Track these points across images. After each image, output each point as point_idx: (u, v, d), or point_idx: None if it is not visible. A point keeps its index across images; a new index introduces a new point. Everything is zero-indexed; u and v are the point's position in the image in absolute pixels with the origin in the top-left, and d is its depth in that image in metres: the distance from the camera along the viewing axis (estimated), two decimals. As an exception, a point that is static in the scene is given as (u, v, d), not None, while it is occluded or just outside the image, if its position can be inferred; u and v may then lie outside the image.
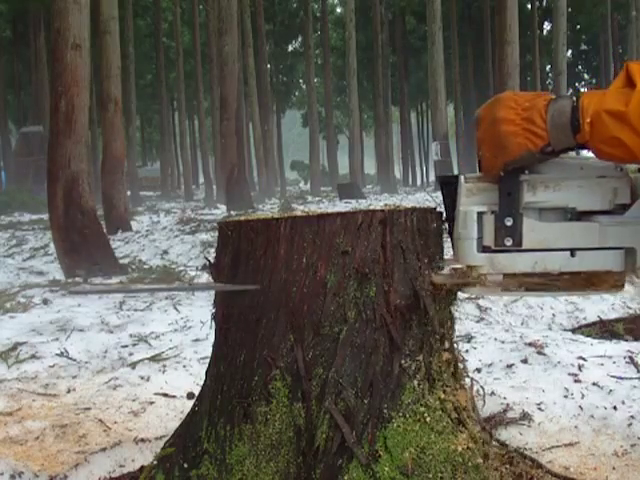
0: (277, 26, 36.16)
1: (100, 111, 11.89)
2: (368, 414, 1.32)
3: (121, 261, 7.48)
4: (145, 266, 7.35)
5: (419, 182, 40.56)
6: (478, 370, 2.55)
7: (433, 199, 13.83)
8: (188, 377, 2.74)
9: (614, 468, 1.76)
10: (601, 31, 32.13)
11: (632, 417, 2.01)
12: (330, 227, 1.35)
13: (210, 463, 1.41)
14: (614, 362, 2.54)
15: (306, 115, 34.18)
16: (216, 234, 1.57)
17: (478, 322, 3.72)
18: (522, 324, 3.85)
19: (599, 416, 2.06)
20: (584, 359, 2.56)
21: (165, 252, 8.35)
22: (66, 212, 6.68)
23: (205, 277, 5.61)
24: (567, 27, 22.15)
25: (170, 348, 3.23)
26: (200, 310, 4.15)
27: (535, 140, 1.14)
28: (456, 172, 24.44)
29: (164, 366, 2.91)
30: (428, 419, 1.33)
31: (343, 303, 1.34)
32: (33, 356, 3.16)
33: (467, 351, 2.73)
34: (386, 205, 1.44)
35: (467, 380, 1.56)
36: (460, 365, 1.50)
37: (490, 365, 2.61)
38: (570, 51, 35.05)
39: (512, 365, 2.57)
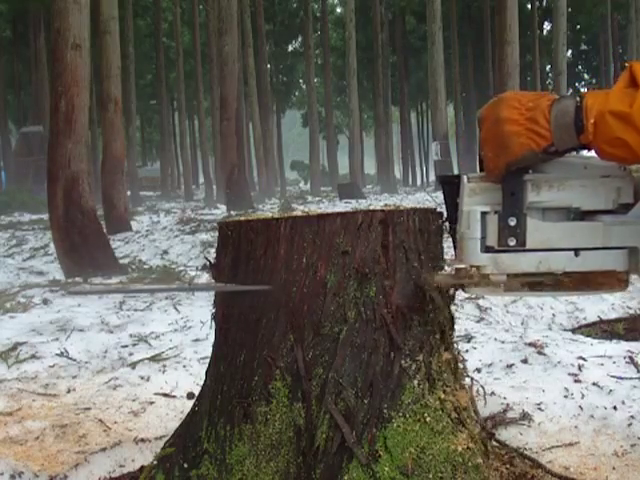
0: (277, 26, 36.17)
1: (100, 111, 11.89)
2: (368, 414, 1.32)
3: (121, 261, 7.49)
4: (145, 266, 7.35)
5: (419, 182, 40.55)
6: (478, 370, 2.55)
7: (433, 199, 13.82)
8: (188, 377, 2.74)
9: (614, 468, 1.76)
10: (601, 31, 32.13)
11: (632, 417, 2.01)
12: (330, 227, 1.35)
13: (210, 463, 1.41)
14: (614, 362, 2.54)
15: (306, 115, 34.18)
16: (216, 234, 1.57)
17: (478, 322, 3.72)
18: (522, 324, 3.85)
19: (599, 416, 2.06)
20: (584, 359, 2.56)
21: (165, 252, 8.35)
22: (66, 212, 6.68)
23: (205, 277, 5.61)
24: (567, 27, 22.14)
25: (170, 348, 3.23)
26: (200, 310, 4.15)
27: (538, 140, 1.14)
28: (456, 172, 24.45)
29: (164, 366, 2.91)
30: (428, 419, 1.33)
31: (343, 303, 1.34)
32: (33, 356, 3.16)
33: (467, 351, 2.73)
34: (386, 205, 1.44)
35: (467, 380, 1.56)
36: (460, 365, 1.51)
37: (490, 365, 2.61)
38: (570, 51, 35.06)
39: (512, 365, 2.57)
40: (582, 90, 38.84)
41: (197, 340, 3.40)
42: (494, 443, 1.67)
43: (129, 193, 16.94)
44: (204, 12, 30.33)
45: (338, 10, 41.35)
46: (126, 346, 3.36)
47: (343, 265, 1.34)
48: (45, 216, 9.87)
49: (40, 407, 2.51)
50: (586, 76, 39.47)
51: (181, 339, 3.45)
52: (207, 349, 2.75)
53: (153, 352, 3.17)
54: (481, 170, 1.29)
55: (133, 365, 2.95)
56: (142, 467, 1.70)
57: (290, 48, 39.88)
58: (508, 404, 2.15)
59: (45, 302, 4.96)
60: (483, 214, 1.24)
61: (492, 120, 1.19)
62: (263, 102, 27.91)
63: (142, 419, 2.32)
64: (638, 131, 1.05)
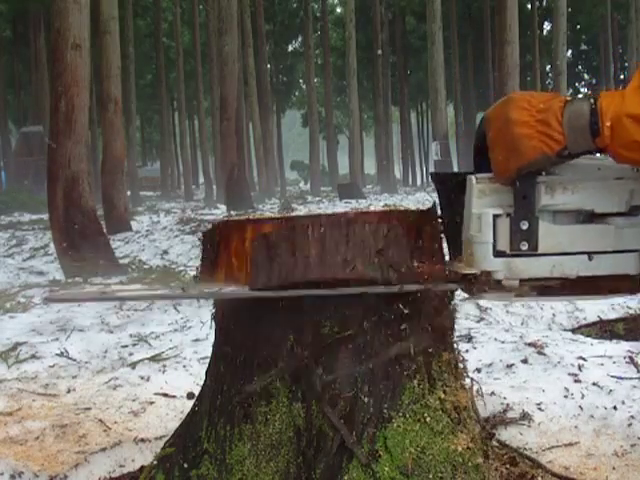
0: (277, 26, 36.18)
1: (100, 111, 11.90)
2: (368, 414, 1.32)
3: (121, 261, 7.49)
4: (145, 266, 7.36)
5: (419, 182, 40.57)
6: (478, 370, 2.55)
7: (433, 199, 13.83)
8: (188, 377, 2.74)
9: (614, 468, 1.76)
10: (601, 31, 32.14)
11: (632, 417, 2.01)
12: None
13: (210, 463, 1.41)
14: (614, 362, 2.54)
15: (306, 115, 34.19)
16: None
17: (478, 322, 3.72)
18: (522, 324, 3.85)
19: (599, 416, 2.06)
20: (584, 359, 2.56)
21: (165, 252, 8.35)
22: (66, 212, 6.68)
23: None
24: (567, 27, 22.16)
25: (170, 348, 3.23)
26: (200, 310, 4.15)
27: (551, 143, 1.11)
28: (456, 170, 24.46)
29: (164, 366, 2.91)
30: (428, 419, 1.33)
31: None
32: (33, 356, 3.16)
33: (467, 351, 2.73)
34: (385, 205, 1.44)
35: (467, 380, 1.56)
36: (460, 365, 1.50)
37: (490, 365, 2.61)
38: (570, 51, 35.07)
39: (512, 365, 2.57)
40: (582, 90, 38.85)
41: (197, 340, 3.40)
42: (494, 443, 1.67)
43: (129, 193, 16.95)
44: (204, 12, 30.34)
45: (338, 10, 41.36)
46: (126, 346, 3.36)
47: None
48: (45, 216, 9.88)
49: (40, 407, 2.51)
50: (586, 76, 39.48)
51: (181, 339, 3.45)
52: (207, 349, 2.74)
53: (153, 352, 3.17)
54: (476, 170, 1.28)
55: (133, 365, 2.95)
56: (142, 467, 1.70)
57: (290, 48, 39.90)
58: (508, 404, 2.15)
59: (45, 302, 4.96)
60: (495, 217, 1.20)
61: (501, 121, 1.16)
62: (263, 102, 27.91)
63: (142, 419, 2.32)
64: None
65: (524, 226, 1.18)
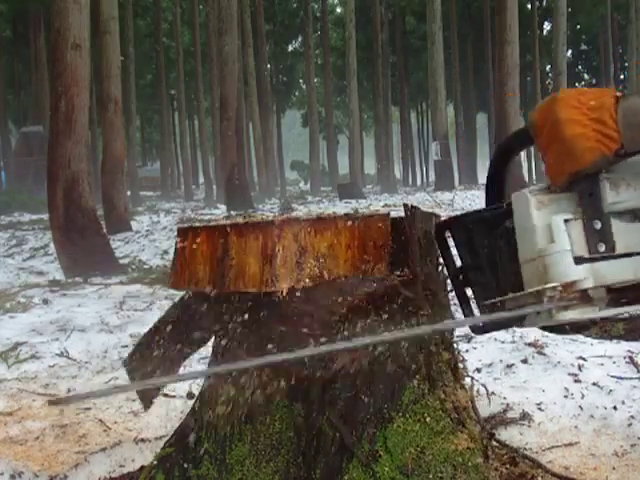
0: (277, 26, 36.16)
1: (100, 111, 11.90)
2: (368, 414, 1.32)
3: (121, 261, 7.49)
4: (145, 266, 7.36)
5: (419, 182, 40.56)
6: (478, 370, 2.54)
7: (433, 199, 13.84)
8: (188, 377, 2.73)
9: (614, 468, 1.76)
10: (601, 31, 32.14)
11: (632, 417, 2.01)
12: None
13: (210, 463, 1.40)
14: (614, 362, 2.54)
15: (306, 115, 34.17)
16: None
17: (478, 322, 3.71)
18: (522, 324, 3.84)
19: (599, 416, 2.06)
20: (584, 359, 2.56)
21: (165, 252, 8.35)
22: (66, 212, 6.69)
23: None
24: (567, 27, 22.17)
25: (170, 348, 3.22)
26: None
27: (608, 143, 1.04)
28: (456, 172, 24.42)
29: (164, 366, 2.91)
30: (428, 419, 1.33)
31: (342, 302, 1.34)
32: (33, 356, 3.16)
33: (467, 351, 2.73)
34: (386, 205, 1.43)
35: (467, 380, 1.56)
36: (460, 365, 1.50)
37: (490, 365, 2.61)
38: (570, 51, 35.04)
39: (512, 365, 2.57)
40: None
41: (197, 340, 3.39)
42: (494, 443, 1.67)
43: (129, 193, 16.94)
44: (204, 12, 30.35)
45: (338, 10, 41.33)
46: (126, 346, 3.36)
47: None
48: (45, 216, 9.88)
49: (40, 407, 2.51)
50: (586, 76, 39.47)
51: (181, 339, 3.45)
52: (207, 349, 2.74)
53: (153, 352, 3.17)
54: (487, 200, 1.23)
55: (133, 365, 2.95)
56: (142, 467, 1.70)
57: (290, 48, 39.88)
58: (508, 404, 2.15)
59: (45, 302, 4.97)
60: (566, 222, 1.11)
61: (550, 123, 1.08)
62: (263, 102, 27.91)
63: (142, 419, 2.32)
64: None
65: (597, 226, 1.10)
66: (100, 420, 2.31)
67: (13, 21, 30.41)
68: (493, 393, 2.21)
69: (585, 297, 1.09)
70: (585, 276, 1.09)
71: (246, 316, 1.36)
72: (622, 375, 2.37)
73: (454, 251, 1.33)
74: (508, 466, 1.58)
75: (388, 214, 1.41)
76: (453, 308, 1.49)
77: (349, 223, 1.34)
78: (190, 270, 1.39)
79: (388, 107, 33.18)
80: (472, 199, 14.35)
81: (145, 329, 1.49)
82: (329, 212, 1.39)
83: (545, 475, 1.62)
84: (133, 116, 24.44)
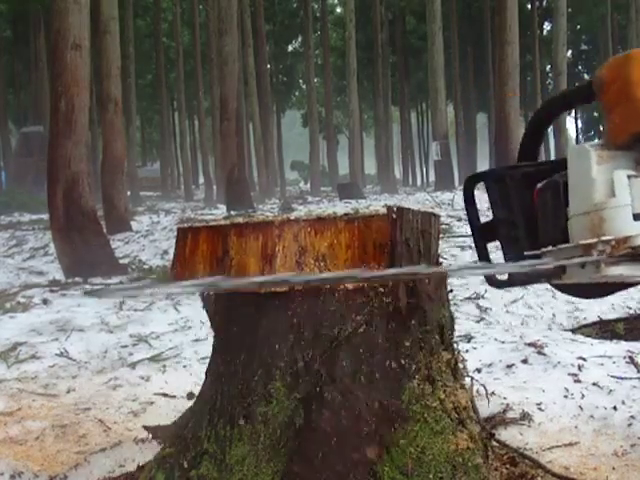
0: (277, 26, 36.15)
1: (100, 111, 11.90)
2: (368, 414, 1.32)
3: (121, 261, 7.49)
4: (145, 266, 7.35)
5: (419, 182, 40.54)
6: (478, 370, 2.54)
7: (433, 199, 13.82)
8: (188, 377, 2.74)
9: (614, 468, 1.76)
10: (601, 31, 32.12)
11: (632, 417, 2.01)
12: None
13: (210, 463, 1.40)
14: (614, 362, 2.54)
15: (306, 115, 34.16)
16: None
17: (478, 322, 3.72)
18: (522, 324, 3.85)
19: (599, 416, 2.06)
20: (584, 359, 2.56)
21: (165, 252, 8.34)
22: (66, 212, 6.68)
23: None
24: (567, 27, 22.15)
25: (170, 348, 3.23)
26: (200, 310, 4.14)
27: None
28: (456, 172, 24.43)
29: (164, 366, 2.91)
30: (428, 419, 1.33)
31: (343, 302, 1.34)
32: (33, 356, 3.16)
33: (467, 351, 2.73)
34: (385, 205, 1.44)
35: (467, 380, 1.55)
36: (460, 365, 1.50)
37: (490, 365, 2.61)
38: (570, 51, 35.02)
39: (512, 365, 2.57)
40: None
41: (197, 340, 3.40)
42: (494, 443, 1.67)
43: (129, 193, 16.94)
44: (204, 12, 30.33)
45: (338, 10, 41.30)
46: (126, 346, 3.37)
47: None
48: (45, 216, 9.88)
49: (40, 407, 2.51)
50: (586, 76, 39.45)
51: (181, 339, 3.45)
52: (207, 349, 2.74)
53: (153, 352, 3.17)
54: (520, 156, 1.22)
55: (133, 365, 2.95)
56: (142, 467, 1.70)
57: (290, 48, 39.86)
58: (508, 404, 2.15)
59: (45, 302, 4.97)
60: (629, 178, 1.11)
61: (621, 82, 1.07)
62: (263, 102, 27.89)
63: (142, 419, 2.32)
64: None
65: None
66: (100, 420, 2.31)
67: (13, 21, 30.40)
68: (493, 393, 2.21)
69: (637, 254, 1.09)
70: None
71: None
72: (622, 375, 2.37)
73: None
74: (508, 466, 1.58)
75: (388, 214, 1.41)
76: (453, 308, 1.49)
77: (349, 223, 1.34)
78: (190, 270, 1.39)
79: (388, 107, 33.16)
80: (472, 199, 14.31)
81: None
82: (329, 212, 1.40)
83: (545, 475, 1.62)
84: (133, 116, 24.43)
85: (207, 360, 1.60)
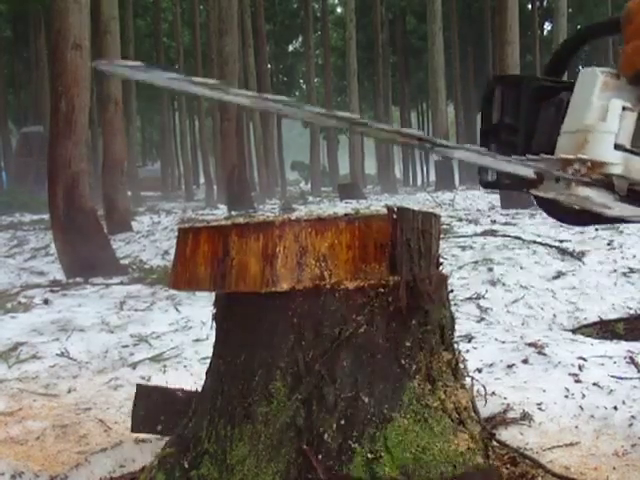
0: (277, 26, 36.16)
1: (100, 111, 11.90)
2: (368, 414, 1.32)
3: (122, 261, 7.49)
4: (146, 266, 7.35)
5: (419, 182, 40.55)
6: (479, 370, 2.55)
7: (434, 199, 13.83)
8: (188, 377, 2.74)
9: (615, 468, 1.76)
10: (601, 31, 32.10)
11: (633, 417, 2.01)
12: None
13: (210, 463, 1.41)
14: (614, 362, 2.54)
15: (306, 115, 34.10)
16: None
17: (478, 322, 3.72)
18: (522, 324, 3.85)
19: (600, 416, 2.06)
20: (584, 359, 2.56)
21: (166, 252, 8.34)
22: (67, 212, 6.68)
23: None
24: (567, 27, 22.17)
25: (171, 348, 3.23)
26: (201, 310, 4.15)
27: None
28: (456, 172, 24.43)
29: (165, 366, 2.91)
30: (428, 419, 1.33)
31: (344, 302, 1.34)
32: (34, 356, 3.16)
33: (467, 351, 2.73)
34: (385, 205, 1.44)
35: (467, 380, 1.56)
36: (460, 365, 1.50)
37: (491, 365, 2.61)
38: (570, 51, 34.99)
39: (512, 365, 2.57)
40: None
41: (198, 340, 3.40)
42: (494, 443, 1.67)
43: (130, 193, 16.94)
44: (204, 12, 30.35)
45: (338, 10, 41.30)
46: (127, 346, 3.36)
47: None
48: (46, 216, 9.88)
49: (41, 407, 2.51)
50: (586, 76, 39.44)
51: (182, 339, 3.45)
52: (208, 349, 2.74)
53: (154, 352, 3.17)
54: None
55: (134, 365, 2.95)
56: (143, 467, 1.70)
57: (290, 48, 39.88)
58: (508, 404, 2.15)
59: (46, 302, 4.97)
60: (623, 109, 1.13)
61: None
62: (263, 102, 27.84)
63: (143, 419, 2.32)
64: None
65: None
66: (100, 420, 2.31)
67: (13, 21, 30.40)
68: (494, 393, 2.21)
69: (608, 182, 1.12)
70: (617, 162, 1.11)
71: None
72: (622, 375, 2.37)
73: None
74: (509, 466, 1.59)
75: (389, 214, 1.41)
76: (454, 309, 1.49)
77: (350, 223, 1.34)
78: (191, 270, 1.40)
79: (388, 107, 33.16)
80: (473, 199, 14.34)
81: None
82: (330, 212, 1.40)
83: (545, 475, 1.62)
84: (133, 116, 24.45)
85: (208, 360, 1.60)
